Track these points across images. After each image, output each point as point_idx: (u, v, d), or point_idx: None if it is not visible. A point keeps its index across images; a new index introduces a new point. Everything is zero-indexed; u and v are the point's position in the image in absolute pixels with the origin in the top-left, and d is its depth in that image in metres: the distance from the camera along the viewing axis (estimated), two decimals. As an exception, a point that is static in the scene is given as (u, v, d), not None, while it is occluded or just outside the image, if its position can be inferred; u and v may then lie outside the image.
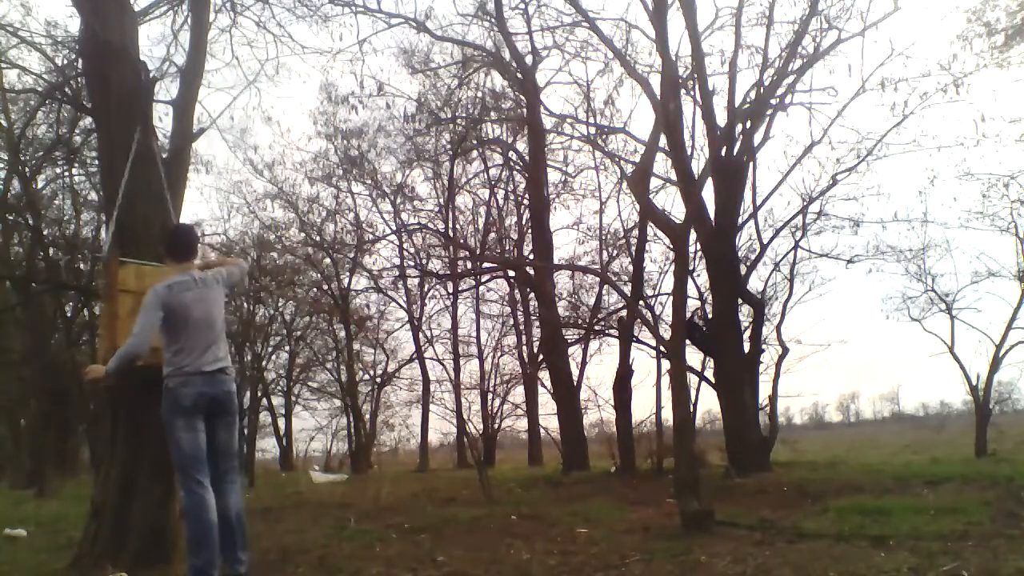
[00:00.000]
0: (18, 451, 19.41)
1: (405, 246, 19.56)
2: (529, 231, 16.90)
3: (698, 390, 12.42)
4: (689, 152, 10.84)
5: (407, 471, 19.12)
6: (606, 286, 15.07)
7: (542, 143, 15.15)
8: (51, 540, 6.24)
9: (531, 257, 16.16)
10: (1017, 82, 27.15)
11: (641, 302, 12.40)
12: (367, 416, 22.94)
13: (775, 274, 13.30)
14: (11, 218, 15.28)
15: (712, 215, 11.03)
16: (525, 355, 19.94)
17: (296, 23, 10.64)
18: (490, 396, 21.13)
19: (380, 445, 25.46)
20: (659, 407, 11.80)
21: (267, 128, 34.41)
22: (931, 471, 8.38)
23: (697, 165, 10.82)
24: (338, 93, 16.88)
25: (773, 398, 11.84)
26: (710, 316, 11.50)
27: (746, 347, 11.11)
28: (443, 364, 21.72)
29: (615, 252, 15.50)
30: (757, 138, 11.39)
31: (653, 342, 11.87)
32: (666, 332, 10.31)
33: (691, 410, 7.11)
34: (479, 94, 14.33)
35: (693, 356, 11.44)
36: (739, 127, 11.18)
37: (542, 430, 19.86)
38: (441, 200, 18.68)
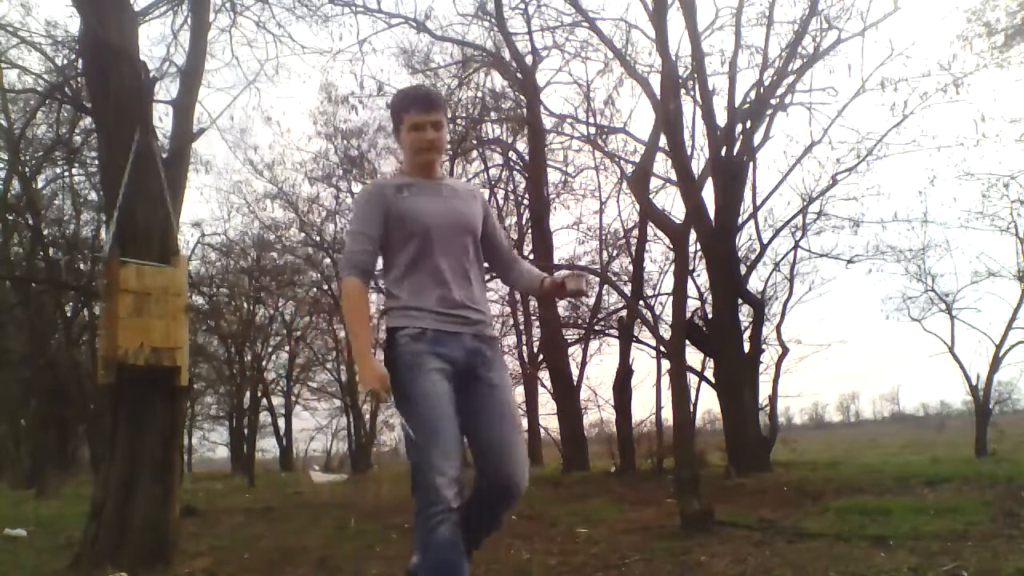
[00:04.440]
0: (18, 451, 19.42)
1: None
2: (529, 231, 16.89)
3: (698, 390, 12.41)
4: (689, 152, 10.83)
5: (407, 471, 19.11)
6: (606, 286, 15.06)
7: (542, 143, 15.14)
8: (51, 540, 6.24)
9: (531, 257, 16.16)
10: (1017, 82, 27.16)
11: (641, 302, 12.40)
12: (367, 416, 22.94)
13: (775, 274, 13.31)
14: (11, 218, 15.28)
15: (712, 215, 11.03)
16: (525, 355, 19.93)
17: (296, 23, 10.64)
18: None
19: (380, 445, 25.49)
20: (659, 407, 11.81)
21: (267, 128, 34.43)
22: (931, 471, 8.37)
23: (697, 165, 10.82)
24: (338, 93, 16.85)
25: (773, 398, 11.84)
26: (710, 316, 11.50)
27: (746, 347, 11.11)
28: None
29: (615, 252, 15.51)
30: (757, 138, 11.40)
31: (653, 342, 11.88)
32: (666, 332, 10.31)
33: (691, 410, 7.11)
34: (479, 94, 14.34)
35: (693, 356, 11.44)
36: (739, 127, 11.18)
37: (542, 430, 19.84)
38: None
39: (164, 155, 5.20)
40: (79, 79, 8.58)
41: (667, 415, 11.15)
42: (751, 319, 11.50)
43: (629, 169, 12.32)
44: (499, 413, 2.38)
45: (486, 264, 2.62)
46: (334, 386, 23.99)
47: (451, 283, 2.37)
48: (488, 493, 2.37)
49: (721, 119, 11.17)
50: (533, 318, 18.34)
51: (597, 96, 16.18)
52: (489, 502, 2.39)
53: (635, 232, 13.71)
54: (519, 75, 13.78)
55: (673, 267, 7.83)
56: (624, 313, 13.43)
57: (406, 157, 2.52)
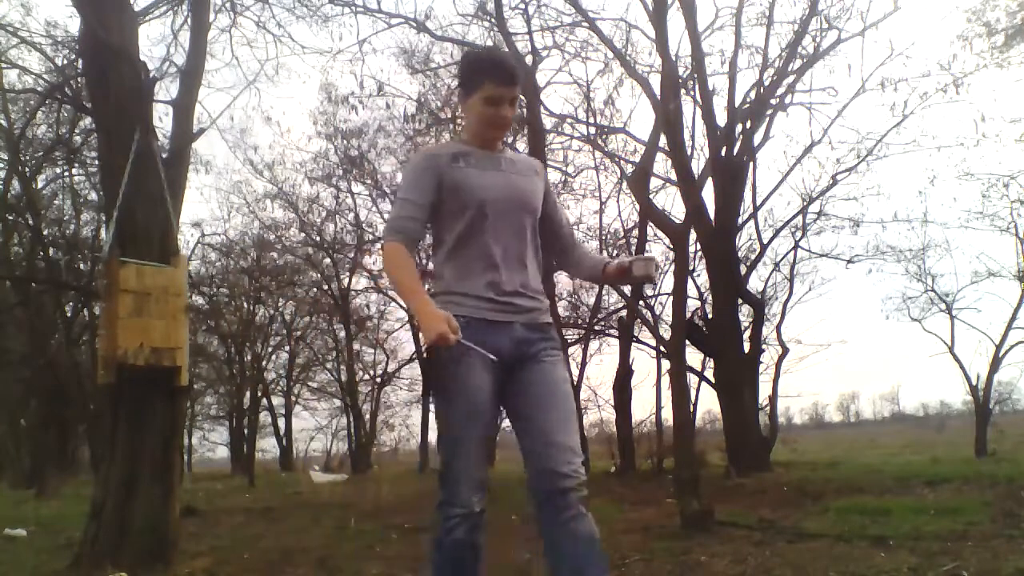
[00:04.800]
0: (18, 451, 19.42)
1: (405, 246, 19.53)
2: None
3: (698, 390, 12.42)
4: (689, 152, 10.83)
5: (407, 471, 19.12)
6: (606, 286, 15.05)
7: (542, 143, 15.10)
8: (51, 540, 6.23)
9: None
10: (1017, 82, 27.16)
11: (641, 302, 12.40)
12: (367, 416, 22.93)
13: (775, 274, 13.33)
14: (11, 218, 15.28)
15: (712, 215, 11.03)
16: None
17: (296, 23, 10.61)
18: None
19: (380, 445, 25.50)
20: (659, 407, 11.82)
21: (267, 128, 34.35)
22: (931, 471, 8.37)
23: (697, 165, 10.82)
24: (338, 93, 16.81)
25: (773, 398, 11.86)
26: (710, 316, 11.50)
27: (746, 347, 11.11)
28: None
29: (615, 252, 15.49)
30: (757, 138, 11.40)
31: (653, 342, 11.88)
32: (666, 332, 10.31)
33: (691, 410, 7.11)
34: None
35: (693, 356, 11.45)
36: (739, 127, 11.19)
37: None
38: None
39: (164, 155, 5.19)
40: (79, 79, 8.58)
41: (667, 415, 11.18)
42: (751, 319, 11.50)
43: (629, 169, 12.33)
44: (546, 397, 2.15)
45: (544, 247, 2.41)
46: (334, 386, 23.97)
47: (502, 266, 2.15)
48: (536, 497, 2.12)
49: (721, 119, 11.18)
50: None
51: (597, 96, 16.11)
52: (544, 510, 2.10)
53: (635, 232, 13.71)
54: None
55: (673, 267, 7.82)
56: (624, 313, 13.42)
57: (470, 126, 2.28)
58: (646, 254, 2.36)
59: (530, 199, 2.24)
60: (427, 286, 2.20)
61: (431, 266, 2.33)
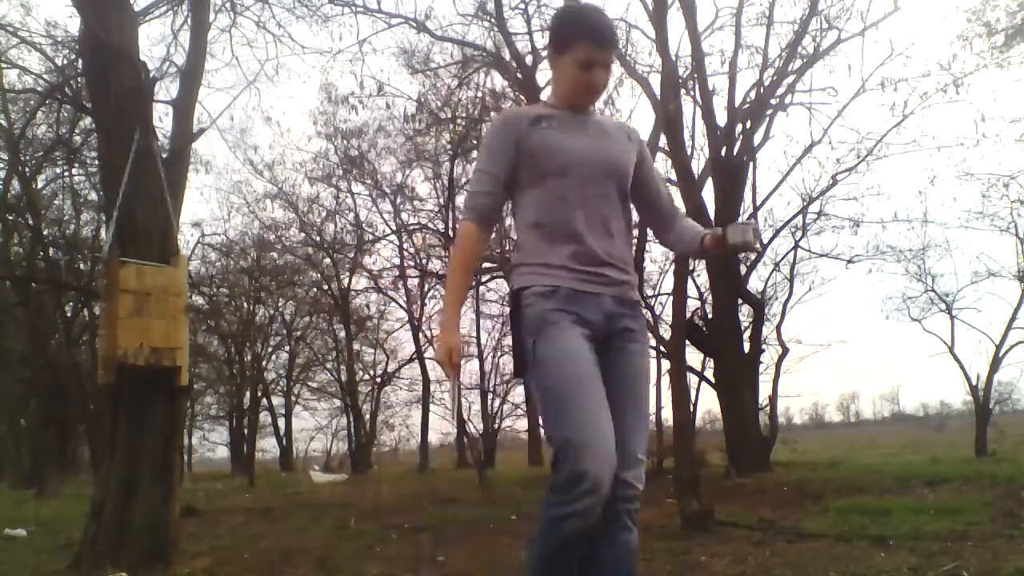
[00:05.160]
0: (18, 451, 19.42)
1: (405, 246, 19.55)
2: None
3: (698, 390, 12.42)
4: (689, 152, 10.83)
5: (407, 471, 19.12)
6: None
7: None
8: (51, 540, 6.23)
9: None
10: (1017, 82, 27.17)
11: (641, 302, 12.40)
12: (367, 416, 22.94)
13: (775, 274, 13.32)
14: (11, 218, 15.29)
15: (712, 215, 11.03)
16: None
17: (296, 23, 10.61)
18: (490, 396, 21.13)
19: (380, 445, 25.50)
20: (659, 407, 11.80)
21: (267, 128, 34.35)
22: (931, 471, 8.37)
23: (697, 165, 10.83)
24: (338, 93, 16.82)
25: (773, 398, 11.85)
26: (710, 316, 11.50)
27: (746, 347, 11.11)
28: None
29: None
30: (757, 138, 11.40)
31: (653, 342, 11.87)
32: (666, 332, 10.31)
33: (691, 410, 7.10)
34: (479, 94, 14.31)
35: (693, 356, 11.44)
36: (739, 127, 11.19)
37: (542, 430, 19.84)
38: (441, 200, 18.66)
39: (164, 155, 5.20)
40: (79, 79, 8.58)
41: (667, 415, 11.16)
42: (751, 319, 11.50)
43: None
44: (624, 395, 1.94)
45: (641, 218, 2.27)
46: (334, 386, 23.99)
47: (587, 235, 1.97)
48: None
49: (721, 119, 11.18)
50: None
51: (597, 96, 16.14)
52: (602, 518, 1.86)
53: (635, 232, 13.70)
54: (519, 75, 13.77)
55: (673, 267, 7.83)
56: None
57: (559, 87, 2.11)
58: (743, 220, 2.05)
59: (619, 165, 2.05)
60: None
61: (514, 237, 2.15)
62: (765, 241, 12.37)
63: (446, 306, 2.02)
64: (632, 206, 2.16)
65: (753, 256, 11.71)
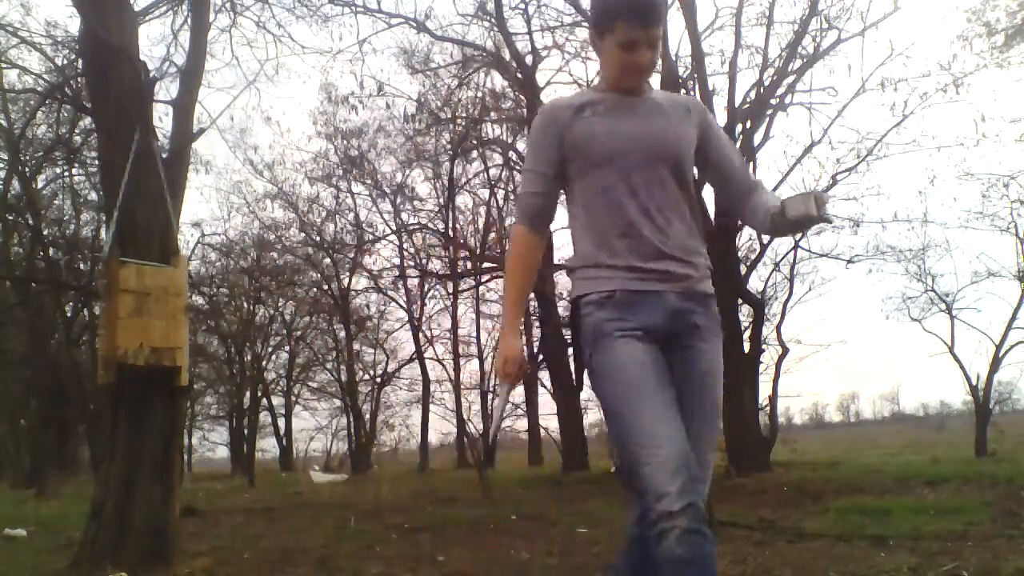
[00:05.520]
0: (18, 451, 19.43)
1: (405, 246, 19.57)
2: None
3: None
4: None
5: (407, 471, 19.12)
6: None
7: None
8: (51, 540, 6.23)
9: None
10: (1017, 82, 27.19)
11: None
12: (367, 416, 22.94)
13: (775, 274, 13.33)
14: (11, 218, 15.30)
15: (712, 215, 11.03)
16: (525, 355, 19.94)
17: (296, 23, 10.62)
18: (490, 396, 21.14)
19: (380, 445, 25.53)
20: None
21: (267, 128, 34.39)
22: (931, 471, 8.38)
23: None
24: (338, 93, 16.86)
25: (773, 398, 11.86)
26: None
27: (746, 347, 11.11)
28: (443, 364, 21.73)
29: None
30: (757, 138, 11.39)
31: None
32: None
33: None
34: (479, 94, 14.33)
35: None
36: (739, 127, 11.17)
37: (542, 430, 19.85)
38: (441, 200, 18.69)
39: (164, 155, 5.20)
40: (79, 79, 8.59)
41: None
42: (751, 319, 11.50)
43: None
44: (693, 398, 1.81)
45: (717, 196, 2.14)
46: (334, 386, 24.01)
47: (641, 229, 1.84)
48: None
49: (721, 119, 11.16)
50: (533, 318, 18.35)
51: (597, 96, 16.15)
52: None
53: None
54: (519, 75, 13.77)
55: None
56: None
57: (606, 72, 1.97)
58: (804, 191, 1.81)
59: (673, 146, 1.89)
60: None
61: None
62: (765, 241, 12.37)
63: (503, 313, 1.98)
64: (707, 181, 2.03)
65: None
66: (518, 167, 16.75)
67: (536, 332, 18.29)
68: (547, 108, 2.01)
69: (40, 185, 15.86)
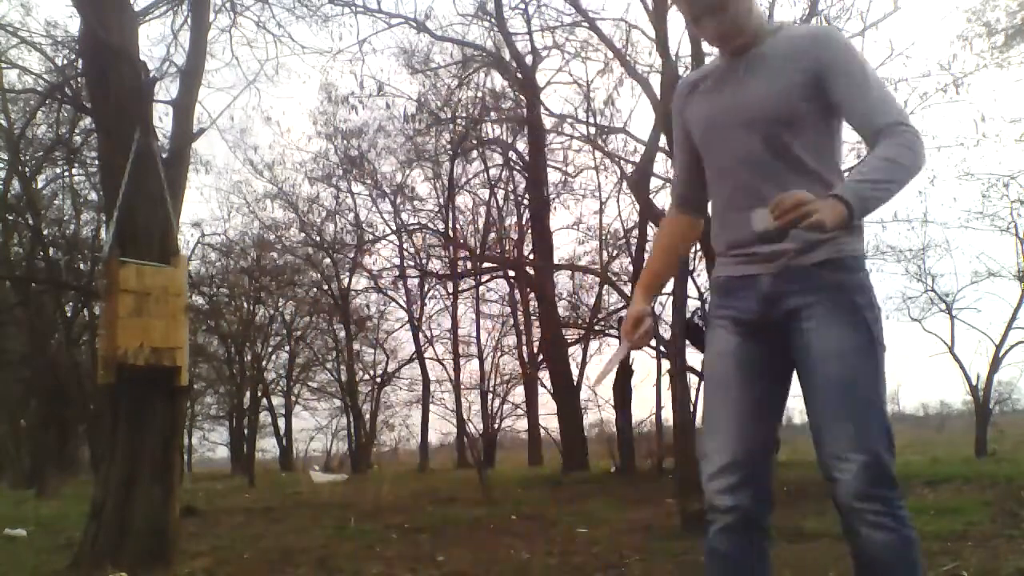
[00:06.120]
0: (18, 451, 19.42)
1: (405, 246, 19.55)
2: (529, 231, 16.90)
3: (698, 390, 12.40)
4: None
5: (407, 471, 19.12)
6: (606, 286, 15.07)
7: (542, 143, 15.15)
8: (51, 540, 6.23)
9: (531, 257, 16.17)
10: (1017, 82, 27.18)
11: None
12: (367, 416, 22.93)
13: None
14: (11, 218, 15.30)
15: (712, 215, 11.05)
16: (525, 355, 19.92)
17: (296, 23, 10.62)
18: (490, 396, 21.14)
19: (380, 445, 25.50)
20: (659, 407, 11.80)
21: (267, 128, 34.32)
22: (931, 471, 8.37)
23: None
24: (338, 93, 16.85)
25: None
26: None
27: (746, 347, 11.11)
28: (443, 364, 21.67)
29: (615, 252, 15.50)
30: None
31: (653, 342, 11.88)
32: (666, 332, 10.31)
33: (691, 410, 7.11)
34: (479, 94, 14.33)
35: (693, 356, 11.44)
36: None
37: (542, 430, 19.85)
38: (441, 200, 18.67)
39: (164, 155, 5.20)
40: (79, 79, 8.59)
41: (667, 415, 11.16)
42: (751, 319, 11.50)
43: (629, 169, 12.32)
44: (813, 386, 1.66)
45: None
46: (334, 386, 23.98)
47: (731, 206, 1.72)
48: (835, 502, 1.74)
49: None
50: (533, 318, 18.37)
51: (597, 96, 16.15)
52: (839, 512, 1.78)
53: (635, 232, 13.71)
54: (519, 75, 13.78)
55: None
56: (624, 313, 13.42)
57: None
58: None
59: (759, 109, 1.68)
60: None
61: None
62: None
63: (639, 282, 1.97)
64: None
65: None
66: (518, 167, 16.78)
67: (536, 332, 18.29)
68: (677, 89, 1.93)
69: (40, 185, 15.86)
